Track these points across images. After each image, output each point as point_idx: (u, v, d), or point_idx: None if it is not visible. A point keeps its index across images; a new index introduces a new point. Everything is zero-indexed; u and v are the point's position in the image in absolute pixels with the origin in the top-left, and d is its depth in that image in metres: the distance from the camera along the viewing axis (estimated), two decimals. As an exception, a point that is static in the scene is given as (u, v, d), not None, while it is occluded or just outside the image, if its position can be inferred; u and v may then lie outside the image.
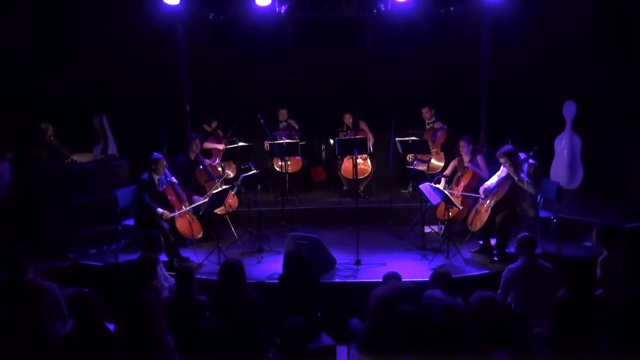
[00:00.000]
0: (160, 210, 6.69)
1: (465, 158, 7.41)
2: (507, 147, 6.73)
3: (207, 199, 6.82)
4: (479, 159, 7.33)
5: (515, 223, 6.64)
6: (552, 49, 8.94)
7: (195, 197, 7.15)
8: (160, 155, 6.95)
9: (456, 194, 7.13)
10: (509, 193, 6.63)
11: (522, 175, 6.54)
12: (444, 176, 7.49)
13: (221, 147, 8.36)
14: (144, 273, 5.09)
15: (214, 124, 8.76)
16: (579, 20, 9.02)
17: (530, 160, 6.90)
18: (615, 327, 4.55)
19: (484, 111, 8.45)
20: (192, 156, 7.68)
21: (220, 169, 8.19)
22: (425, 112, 8.75)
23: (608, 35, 8.84)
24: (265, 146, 8.73)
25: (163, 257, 6.65)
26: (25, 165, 7.44)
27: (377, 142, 8.86)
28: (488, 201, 6.73)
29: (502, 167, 6.75)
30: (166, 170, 7.00)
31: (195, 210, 7.06)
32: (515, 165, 6.54)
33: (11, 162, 7.41)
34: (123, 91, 9.13)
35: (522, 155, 6.78)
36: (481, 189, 6.85)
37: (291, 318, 4.58)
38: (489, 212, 6.68)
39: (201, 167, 7.70)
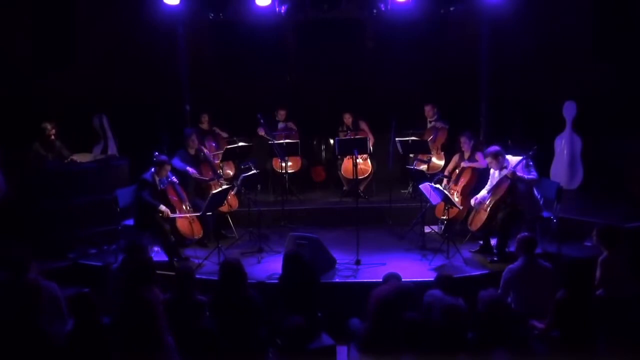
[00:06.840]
0: (163, 207, 6.65)
1: (466, 154, 7.39)
2: (495, 147, 6.64)
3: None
4: (478, 155, 7.30)
5: (517, 223, 6.57)
6: (552, 49, 8.93)
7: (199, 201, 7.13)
8: (165, 158, 6.91)
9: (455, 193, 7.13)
10: (508, 192, 6.60)
11: (506, 170, 6.46)
12: (444, 176, 7.47)
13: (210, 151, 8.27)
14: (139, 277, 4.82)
15: (205, 118, 8.70)
16: (579, 20, 9.01)
17: (526, 160, 6.60)
18: (615, 327, 4.56)
19: (484, 111, 8.46)
20: (192, 152, 7.69)
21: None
22: (428, 110, 8.70)
23: (608, 35, 8.83)
24: (259, 132, 8.72)
25: (162, 257, 6.71)
26: (25, 165, 7.44)
27: (377, 142, 8.85)
28: (487, 201, 6.72)
29: (491, 171, 6.73)
30: (167, 171, 7.00)
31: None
32: (501, 165, 6.51)
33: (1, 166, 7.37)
34: (123, 91, 9.12)
35: (521, 156, 6.66)
36: (472, 201, 6.82)
37: (291, 318, 4.59)
38: (487, 211, 6.66)
39: (204, 159, 7.72)
